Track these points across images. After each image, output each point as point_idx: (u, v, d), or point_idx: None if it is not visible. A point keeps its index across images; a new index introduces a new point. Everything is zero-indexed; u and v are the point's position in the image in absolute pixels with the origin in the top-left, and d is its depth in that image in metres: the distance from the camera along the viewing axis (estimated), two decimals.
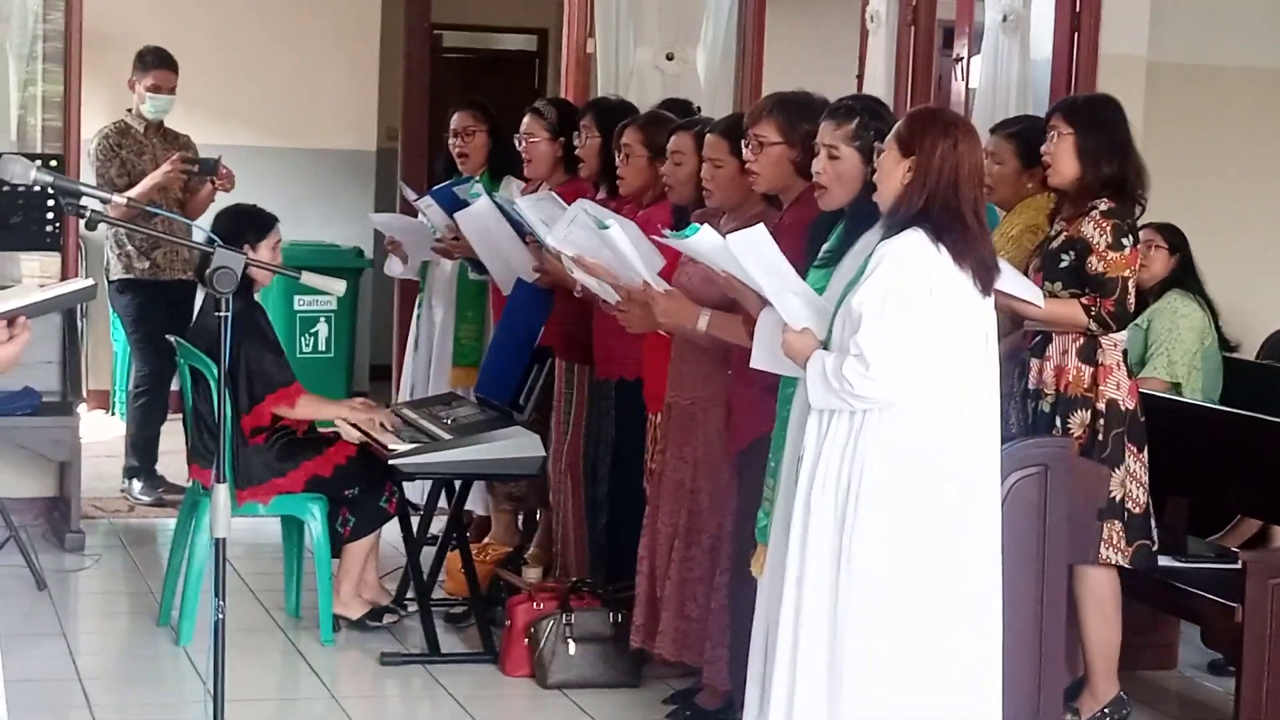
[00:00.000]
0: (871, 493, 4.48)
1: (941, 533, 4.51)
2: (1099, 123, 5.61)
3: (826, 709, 4.54)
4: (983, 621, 4.59)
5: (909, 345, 4.43)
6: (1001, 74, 8.51)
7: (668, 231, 5.13)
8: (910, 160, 4.52)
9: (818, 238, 5.02)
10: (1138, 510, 5.62)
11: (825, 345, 4.58)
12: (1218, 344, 7.47)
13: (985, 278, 4.53)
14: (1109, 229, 5.51)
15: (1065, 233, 5.61)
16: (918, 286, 4.44)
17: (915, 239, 4.48)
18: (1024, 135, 6.08)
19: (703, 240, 4.83)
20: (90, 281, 4.26)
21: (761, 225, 4.72)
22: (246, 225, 6.49)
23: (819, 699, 4.55)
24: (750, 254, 4.67)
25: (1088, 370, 5.57)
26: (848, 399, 4.47)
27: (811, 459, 4.60)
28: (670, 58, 8.97)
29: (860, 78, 9.05)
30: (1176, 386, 7.23)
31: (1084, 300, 5.52)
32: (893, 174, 4.55)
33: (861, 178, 4.87)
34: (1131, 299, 5.57)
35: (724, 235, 4.76)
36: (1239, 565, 5.60)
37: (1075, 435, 5.53)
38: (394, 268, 7.94)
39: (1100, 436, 5.54)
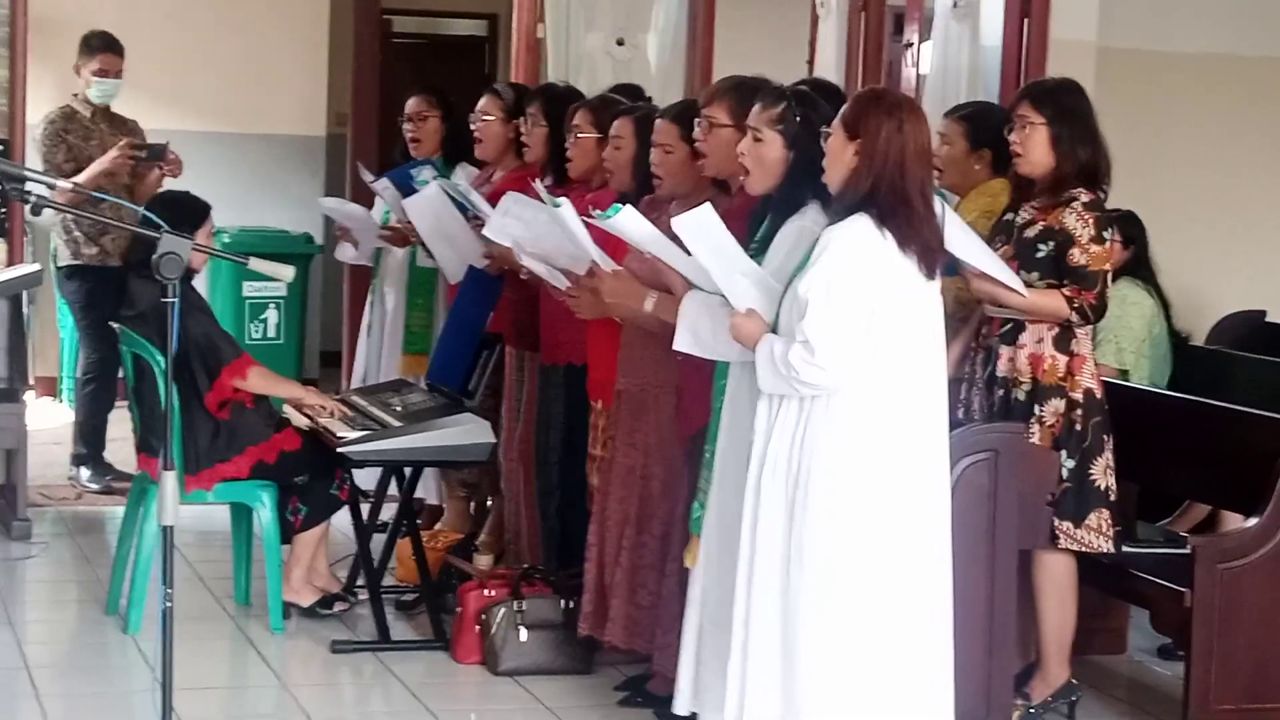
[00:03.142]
0: (821, 479, 4.48)
1: (891, 519, 4.50)
2: (1070, 111, 5.59)
3: (781, 695, 4.55)
4: (933, 606, 4.59)
5: (854, 333, 4.42)
6: (952, 60, 8.53)
7: (596, 212, 5.11)
8: (856, 143, 4.51)
9: (755, 226, 5.01)
10: (1114, 498, 5.64)
11: (774, 329, 4.57)
12: (1167, 333, 7.49)
13: (930, 261, 4.53)
14: (1093, 222, 5.49)
15: (1042, 222, 5.58)
16: (861, 274, 4.44)
17: (860, 225, 4.47)
18: (973, 118, 6.10)
19: (623, 220, 4.82)
20: (36, 267, 4.25)
21: (709, 205, 4.71)
22: (182, 214, 6.43)
23: (773, 685, 4.55)
24: (697, 235, 4.66)
25: (1063, 359, 5.56)
26: (795, 385, 4.47)
27: (761, 445, 4.60)
28: (621, 43, 8.96)
29: (811, 64, 9.06)
30: (1124, 373, 7.25)
31: (1066, 292, 5.49)
32: (840, 157, 4.54)
33: (783, 163, 4.86)
34: (1110, 291, 5.58)
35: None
36: (1188, 550, 5.61)
37: (1049, 424, 5.53)
38: (345, 253, 7.91)
39: (1079, 426, 5.53)
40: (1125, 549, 5.81)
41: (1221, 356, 7.63)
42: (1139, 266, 7.49)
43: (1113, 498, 5.61)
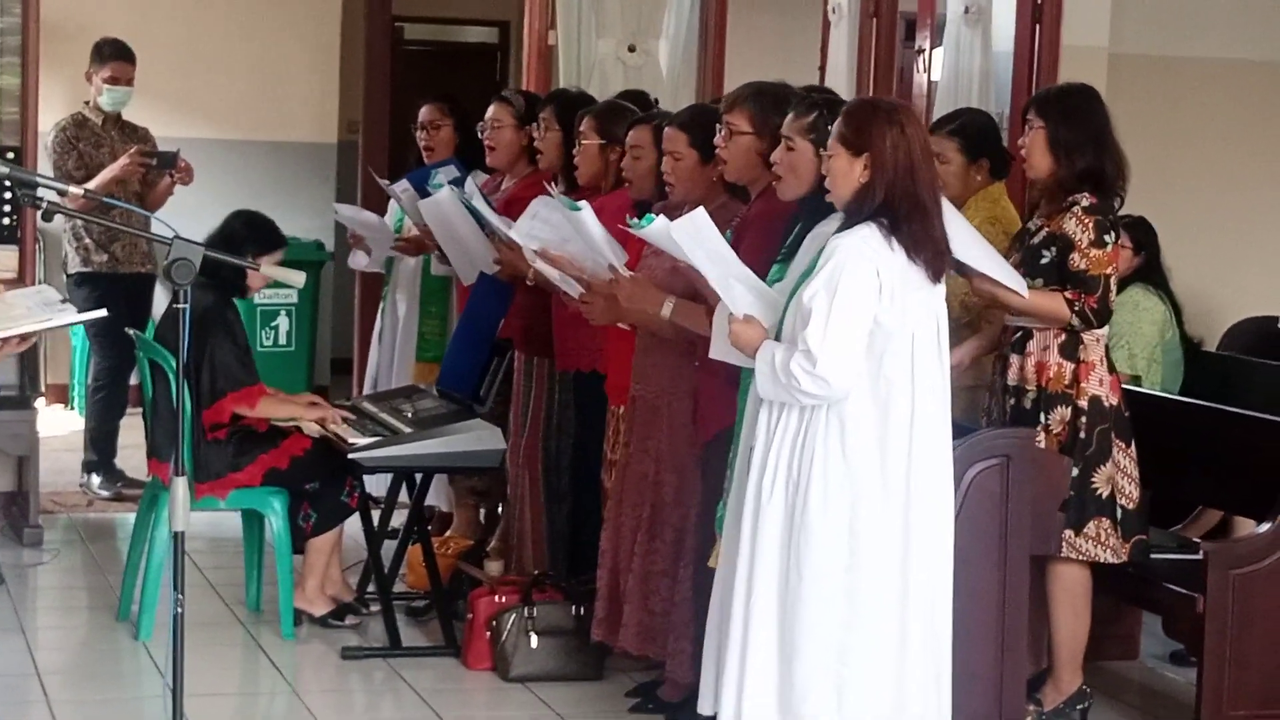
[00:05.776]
0: (821, 486, 4.46)
1: (891, 525, 4.49)
2: (1070, 114, 5.57)
3: (777, 698, 4.53)
4: (932, 615, 4.57)
5: (856, 343, 4.40)
6: (963, 66, 8.50)
7: (632, 220, 5.11)
8: (864, 158, 4.48)
9: (789, 233, 5.00)
10: (1132, 506, 5.61)
11: (776, 336, 4.55)
12: (1179, 339, 7.48)
13: (937, 265, 4.51)
14: (1091, 225, 5.49)
15: (1046, 228, 5.58)
16: (867, 284, 4.41)
17: (867, 234, 4.44)
18: (963, 130, 6.10)
19: (657, 229, 4.81)
20: (102, 312, 4.35)
21: (702, 208, 4.70)
22: (257, 235, 6.45)
23: (770, 690, 4.54)
24: (694, 239, 4.64)
25: (1069, 366, 5.55)
26: (796, 394, 4.44)
27: (762, 450, 4.57)
28: (632, 49, 8.96)
29: (822, 70, 9.03)
30: (1136, 379, 7.24)
31: (1068, 295, 5.49)
32: (848, 175, 4.50)
33: (815, 171, 4.83)
34: (1113, 295, 5.55)
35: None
36: (1200, 556, 5.60)
37: (1055, 432, 5.52)
38: (358, 261, 7.90)
39: (1083, 434, 5.52)
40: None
41: (1233, 362, 7.62)
42: (1150, 272, 7.48)
43: (1127, 506, 5.59)
